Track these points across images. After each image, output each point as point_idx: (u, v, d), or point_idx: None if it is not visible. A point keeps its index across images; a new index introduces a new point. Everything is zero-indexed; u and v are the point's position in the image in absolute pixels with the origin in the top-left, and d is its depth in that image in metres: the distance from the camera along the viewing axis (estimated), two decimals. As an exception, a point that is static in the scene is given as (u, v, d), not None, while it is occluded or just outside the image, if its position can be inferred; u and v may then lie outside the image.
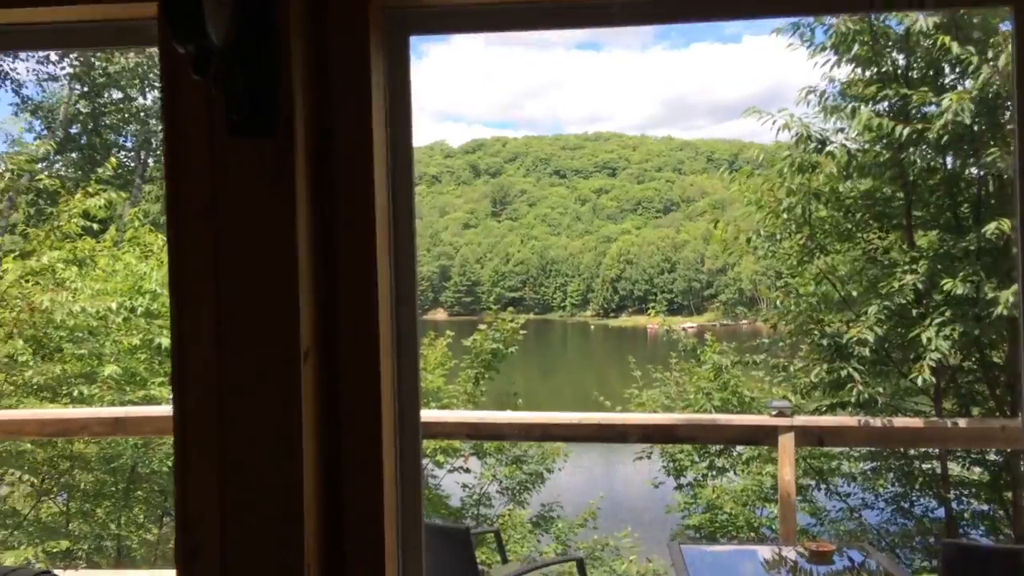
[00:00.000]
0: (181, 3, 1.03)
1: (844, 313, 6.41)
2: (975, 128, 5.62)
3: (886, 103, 6.00)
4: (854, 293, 6.32)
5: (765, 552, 4.10)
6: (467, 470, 7.79)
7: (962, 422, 5.04)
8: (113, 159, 10.63)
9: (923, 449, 6.56)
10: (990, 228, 5.46)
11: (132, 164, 19.67)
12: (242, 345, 1.24)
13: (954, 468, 6.57)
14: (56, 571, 5.22)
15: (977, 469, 6.58)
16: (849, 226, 6.59)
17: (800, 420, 4.47)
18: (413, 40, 1.44)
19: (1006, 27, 5.47)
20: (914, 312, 5.97)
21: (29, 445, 6.20)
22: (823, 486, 6.98)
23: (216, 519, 1.24)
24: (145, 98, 19.50)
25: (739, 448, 7.32)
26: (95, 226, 7.98)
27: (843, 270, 6.67)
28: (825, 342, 6.19)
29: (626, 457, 9.45)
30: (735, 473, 7.44)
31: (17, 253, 7.43)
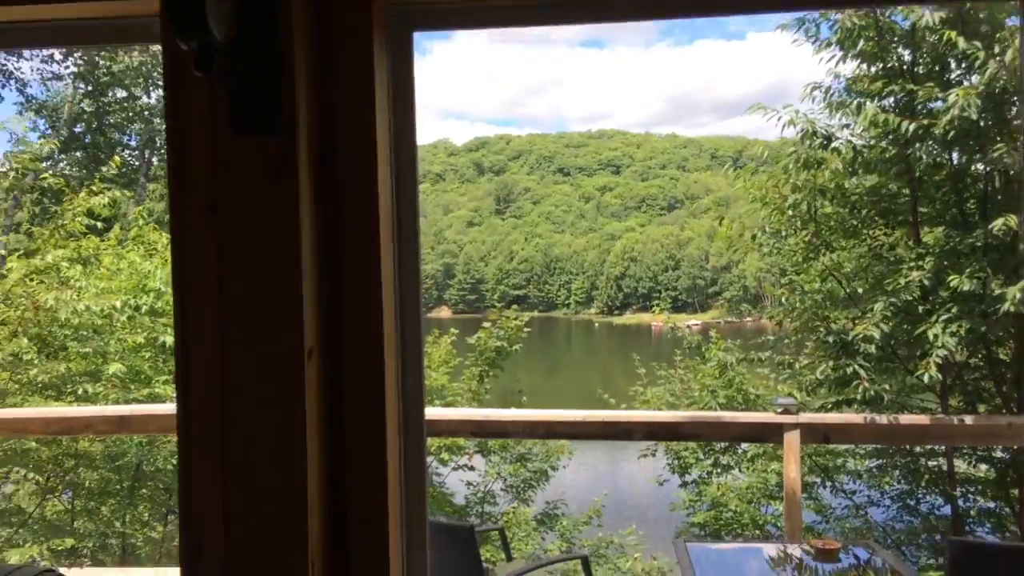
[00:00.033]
0: (183, 0, 1.02)
1: (850, 310, 6.38)
2: (981, 124, 5.58)
3: (892, 99, 5.98)
4: (859, 290, 6.29)
5: (771, 550, 4.08)
6: (471, 468, 7.79)
7: (968, 419, 5.01)
8: (117, 158, 10.63)
9: (929, 446, 6.54)
10: (997, 224, 5.43)
11: (136, 163, 19.71)
12: (245, 343, 1.23)
13: (960, 465, 6.54)
14: (61, 569, 5.24)
15: (983, 466, 6.56)
16: (855, 222, 6.56)
17: (806, 417, 4.45)
18: (416, 37, 1.43)
19: (1012, 22, 5.44)
20: (920, 309, 5.94)
21: (34, 443, 6.21)
22: (828, 483, 6.96)
23: (220, 517, 1.23)
24: (149, 97, 19.55)
25: (744, 445, 7.31)
26: (99, 225, 7.99)
27: (849, 267, 6.64)
28: (831, 339, 6.16)
29: (630, 455, 9.45)
30: (740, 470, 7.43)
31: (21, 252, 7.45)
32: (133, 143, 20.31)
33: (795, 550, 3.76)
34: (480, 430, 5.48)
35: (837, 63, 6.21)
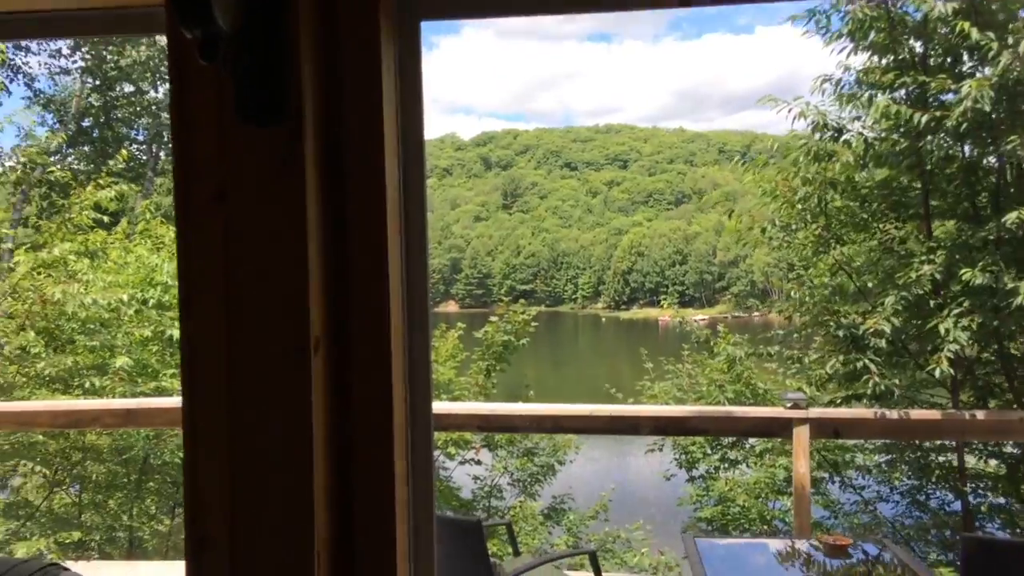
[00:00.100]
0: (188, -12, 1.01)
1: (860, 304, 6.34)
2: (994, 116, 5.53)
3: (903, 91, 5.92)
4: (870, 284, 6.24)
5: (779, 545, 4.06)
6: (478, 462, 7.79)
7: (980, 414, 4.98)
8: (124, 151, 10.66)
9: (939, 441, 6.50)
10: (1010, 218, 5.37)
11: (144, 157, 19.78)
12: (251, 335, 1.21)
13: (970, 461, 6.50)
14: (68, 562, 5.25)
15: (993, 462, 6.51)
16: (865, 216, 6.51)
17: (815, 412, 4.43)
18: (424, 32, 1.41)
19: (1027, 13, 5.38)
20: (931, 303, 5.89)
21: (41, 436, 6.23)
22: (837, 479, 6.93)
23: (225, 511, 1.22)
24: (157, 91, 19.61)
25: (752, 440, 7.28)
26: (106, 219, 8.01)
27: (859, 261, 6.59)
28: (841, 333, 6.11)
29: (638, 449, 9.43)
30: (747, 466, 7.40)
31: (29, 245, 7.47)
32: (141, 137, 20.39)
33: (806, 546, 3.74)
34: (487, 424, 5.48)
35: (848, 55, 6.15)
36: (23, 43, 17.05)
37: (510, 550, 4.85)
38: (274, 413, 1.21)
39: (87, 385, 6.54)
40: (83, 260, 7.07)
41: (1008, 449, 6.34)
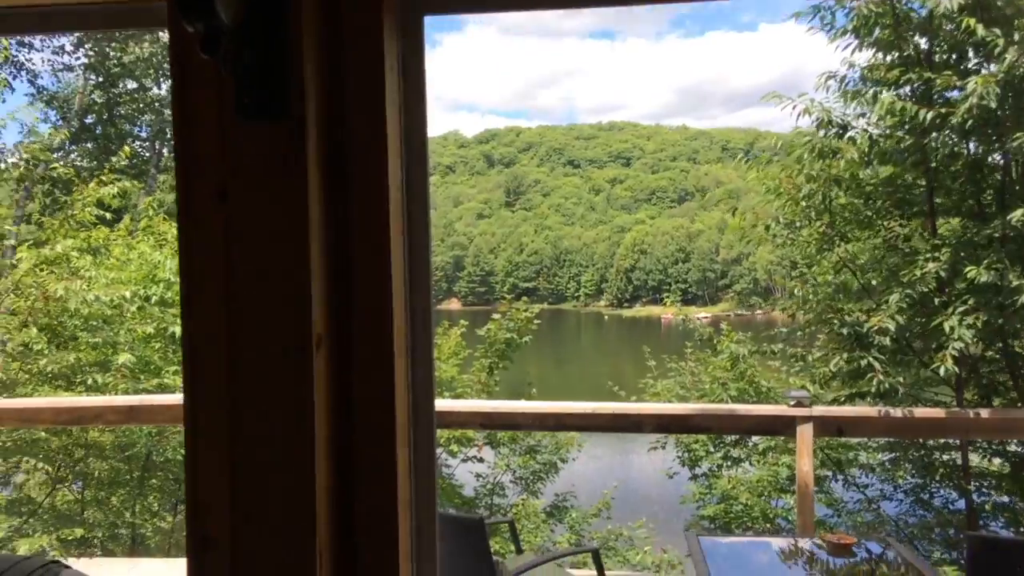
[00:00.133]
0: (190, -18, 0.99)
1: (864, 302, 6.32)
2: (999, 113, 5.50)
3: (908, 87, 5.90)
4: (874, 282, 6.22)
5: (783, 543, 4.05)
6: (481, 460, 7.78)
7: (984, 412, 4.95)
8: (127, 148, 10.66)
9: (943, 440, 6.48)
10: (1015, 215, 5.35)
11: (147, 154, 19.78)
12: (253, 333, 1.21)
13: (973, 459, 6.49)
14: (70, 559, 5.25)
15: (997, 460, 6.50)
16: (869, 213, 6.49)
17: (819, 410, 4.41)
18: (427, 29, 1.40)
19: (1033, 8, 5.35)
20: (936, 301, 5.87)
21: (44, 433, 6.22)
22: (840, 477, 6.91)
23: (227, 508, 1.22)
24: (160, 88, 19.60)
25: (754, 438, 7.27)
26: (109, 215, 8.00)
27: (863, 258, 6.57)
28: (845, 331, 6.10)
29: (640, 447, 9.42)
30: (750, 464, 7.38)
31: (31, 242, 7.46)
32: (144, 134, 20.39)
33: (810, 545, 3.72)
34: (489, 422, 5.46)
35: (852, 52, 6.14)
36: (26, 39, 17.08)
37: (513, 548, 4.84)
38: (276, 411, 1.20)
39: (89, 382, 6.54)
40: (86, 257, 7.07)
41: (1012, 447, 6.33)
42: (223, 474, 1.21)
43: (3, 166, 11.94)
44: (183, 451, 1.26)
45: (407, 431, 1.35)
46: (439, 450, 7.26)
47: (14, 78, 17.37)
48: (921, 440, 6.52)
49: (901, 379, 5.93)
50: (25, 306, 6.64)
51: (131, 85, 19.56)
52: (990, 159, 6.04)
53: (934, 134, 5.79)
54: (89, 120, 19.37)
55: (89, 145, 19.26)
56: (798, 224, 6.69)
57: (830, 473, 6.91)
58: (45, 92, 18.40)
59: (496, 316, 8.42)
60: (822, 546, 3.62)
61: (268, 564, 1.21)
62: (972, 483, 6.36)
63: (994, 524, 6.38)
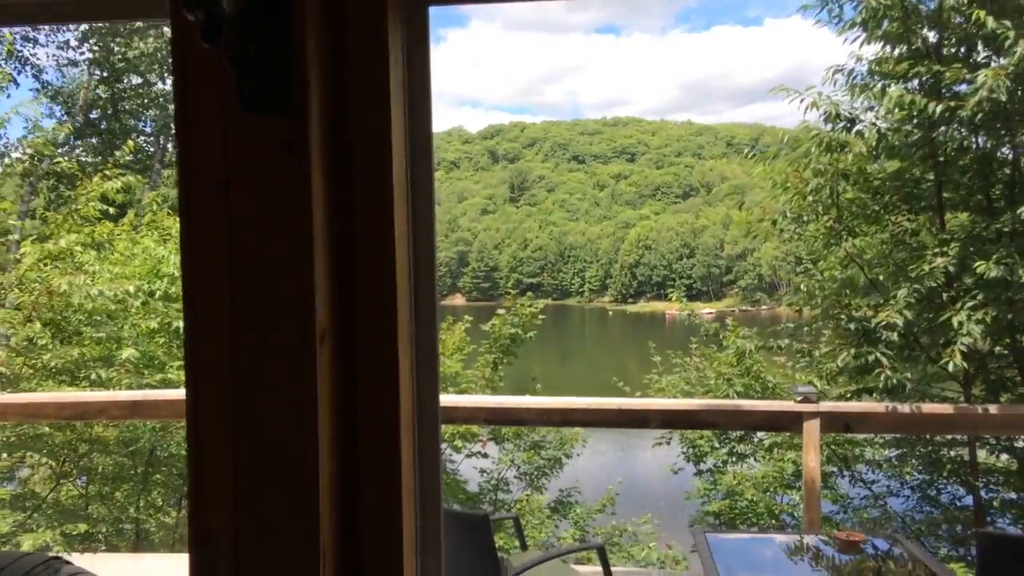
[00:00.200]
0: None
1: (871, 297, 6.28)
2: (1009, 106, 5.45)
3: (917, 81, 5.85)
4: (881, 277, 6.18)
5: (790, 540, 4.02)
6: (485, 455, 7.77)
7: (992, 408, 4.92)
8: (131, 143, 10.65)
9: (950, 436, 6.44)
10: (1024, 210, 5.31)
11: (151, 149, 19.80)
12: (256, 327, 1.19)
13: (981, 455, 6.45)
14: (74, 554, 5.25)
15: (1005, 456, 6.46)
16: (877, 208, 6.45)
17: (826, 406, 4.38)
18: (431, 25, 1.38)
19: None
20: (944, 296, 5.83)
21: (47, 428, 6.23)
22: (847, 473, 6.88)
23: (230, 504, 1.21)
24: (164, 83, 19.60)
25: (760, 434, 7.24)
26: (112, 210, 7.99)
27: (870, 253, 6.53)
28: (852, 326, 6.06)
29: (645, 443, 9.41)
30: (756, 459, 7.36)
31: (35, 237, 7.46)
32: (148, 129, 20.39)
33: (818, 542, 3.69)
34: (494, 417, 5.44)
35: (860, 45, 6.09)
36: (31, 34, 17.08)
37: (517, 544, 4.82)
38: (279, 406, 1.19)
39: (93, 377, 6.53)
40: (90, 252, 7.06)
41: (1020, 444, 6.28)
42: (225, 469, 1.20)
43: (8, 161, 11.96)
44: (187, 446, 1.25)
45: (411, 426, 1.34)
46: (443, 445, 7.24)
47: (19, 73, 17.35)
48: (928, 436, 6.49)
49: (909, 375, 5.90)
50: (29, 301, 6.63)
51: (136, 80, 19.56)
52: (999, 153, 6.00)
53: (943, 128, 5.74)
54: (93, 115, 19.39)
55: (93, 140, 19.27)
56: (805, 219, 6.65)
57: (836, 469, 6.88)
58: (50, 87, 18.39)
59: (500, 312, 8.40)
60: (829, 542, 3.60)
61: (271, 558, 1.20)
62: (980, 479, 6.33)
63: (1002, 520, 6.35)
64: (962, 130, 5.83)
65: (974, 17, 5.35)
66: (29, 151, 9.20)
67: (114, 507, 6.64)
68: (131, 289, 6.63)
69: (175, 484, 6.93)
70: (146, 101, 19.78)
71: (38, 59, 17.91)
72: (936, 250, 5.77)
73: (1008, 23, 5.28)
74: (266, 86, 1.14)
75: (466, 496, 7.53)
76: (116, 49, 18.60)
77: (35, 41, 17.60)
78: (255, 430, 1.19)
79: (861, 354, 5.95)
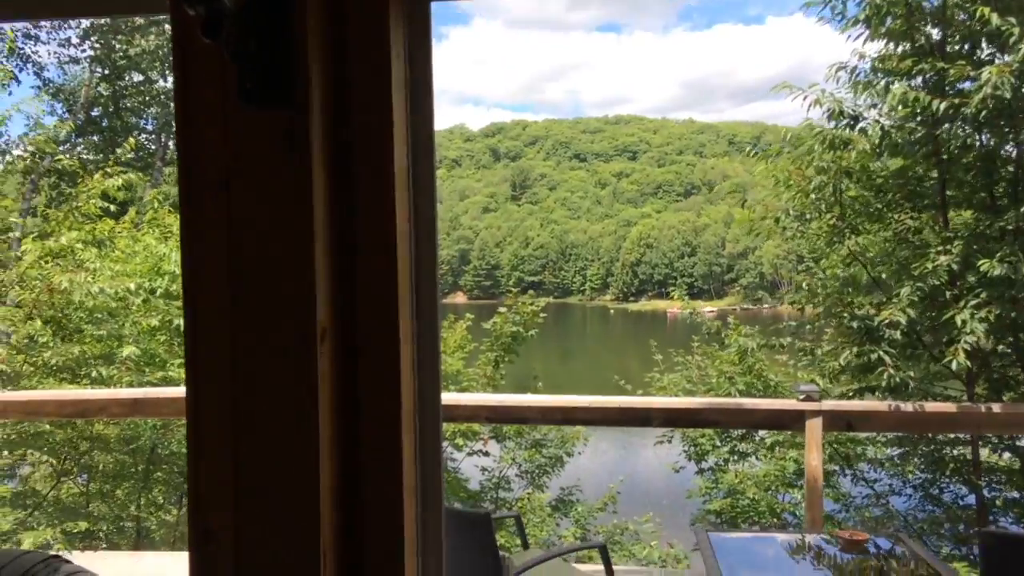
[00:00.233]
0: (189, -39, 0.96)
1: (874, 295, 6.26)
2: (1013, 103, 5.43)
3: (920, 78, 5.83)
4: (884, 275, 6.17)
5: (791, 539, 4.01)
6: (486, 453, 7.77)
7: (995, 407, 4.90)
8: (132, 140, 10.63)
9: (952, 435, 6.42)
10: (1028, 208, 5.29)
11: (153, 147, 19.80)
12: (257, 324, 1.18)
13: (983, 454, 6.43)
14: (75, 552, 5.24)
15: (1008, 455, 6.44)
16: (880, 206, 6.43)
17: (829, 404, 4.37)
18: (433, 22, 1.36)
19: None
20: (947, 294, 5.81)
21: (48, 426, 6.22)
22: (849, 472, 6.86)
23: (230, 503, 1.20)
24: (166, 81, 19.62)
25: (762, 433, 7.23)
26: (114, 208, 7.98)
27: (873, 251, 6.51)
28: (855, 325, 6.04)
29: (646, 441, 9.40)
30: (757, 458, 7.35)
31: (36, 234, 7.45)
32: (149, 127, 20.41)
33: (820, 541, 3.68)
34: (495, 415, 5.43)
35: (864, 42, 6.07)
36: (32, 32, 17.08)
37: (518, 542, 4.81)
38: (279, 404, 1.18)
39: (94, 374, 6.52)
40: (91, 249, 7.05)
41: (1022, 442, 6.26)
42: (226, 468, 1.19)
43: (9, 158, 11.95)
44: (187, 445, 1.24)
45: (413, 424, 1.33)
46: (445, 444, 7.23)
47: (20, 70, 17.37)
48: (931, 435, 6.47)
49: (911, 373, 5.88)
50: (30, 298, 6.63)
51: (137, 78, 19.58)
52: (1003, 151, 5.98)
53: (946, 125, 5.72)
54: (95, 113, 19.40)
55: (95, 138, 19.28)
56: (808, 216, 6.63)
57: (838, 468, 6.86)
58: (51, 84, 18.40)
59: (502, 310, 8.39)
60: (831, 541, 3.59)
61: (271, 558, 1.19)
62: (982, 478, 6.31)
63: (1004, 520, 6.33)
64: (966, 127, 5.81)
65: (978, 14, 5.32)
66: (30, 148, 9.20)
67: (115, 505, 6.64)
68: (132, 287, 6.62)
69: (176, 482, 6.92)
70: (147, 98, 19.80)
71: (39, 56, 17.93)
72: (939, 248, 5.75)
73: (1013, 20, 5.26)
74: (267, 81, 1.13)
75: (467, 494, 7.53)
76: (117, 46, 18.61)
77: (36, 38, 17.61)
78: (255, 429, 1.18)
79: (863, 352, 5.93)
